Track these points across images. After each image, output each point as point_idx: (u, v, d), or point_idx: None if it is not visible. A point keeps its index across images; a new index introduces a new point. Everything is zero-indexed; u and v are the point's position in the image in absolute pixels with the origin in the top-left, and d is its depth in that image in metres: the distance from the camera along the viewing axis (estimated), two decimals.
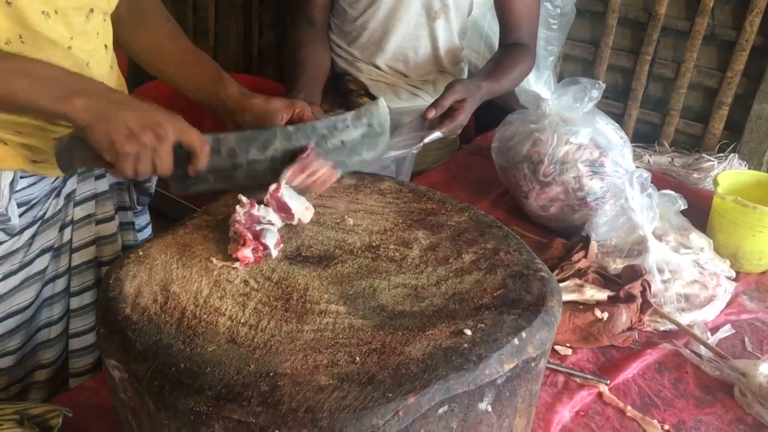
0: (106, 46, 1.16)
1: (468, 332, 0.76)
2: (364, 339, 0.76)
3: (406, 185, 1.09)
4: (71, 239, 1.22)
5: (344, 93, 1.75)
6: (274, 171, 0.99)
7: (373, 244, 0.94)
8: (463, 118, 1.44)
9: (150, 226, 1.45)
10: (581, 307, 1.26)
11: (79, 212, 1.22)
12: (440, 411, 0.71)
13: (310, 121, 1.04)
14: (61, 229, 1.20)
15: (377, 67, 1.73)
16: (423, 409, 0.69)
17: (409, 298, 0.83)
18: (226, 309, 0.81)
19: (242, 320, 0.79)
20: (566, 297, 1.25)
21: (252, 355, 0.73)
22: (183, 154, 0.98)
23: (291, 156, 1.00)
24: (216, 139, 1.00)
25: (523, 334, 0.77)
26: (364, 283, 0.86)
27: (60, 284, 1.22)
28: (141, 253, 0.89)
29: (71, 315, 1.24)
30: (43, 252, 1.18)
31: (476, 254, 0.92)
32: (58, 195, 1.18)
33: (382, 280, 0.87)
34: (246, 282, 0.85)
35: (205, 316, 0.79)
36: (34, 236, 1.15)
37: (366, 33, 1.69)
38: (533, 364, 0.79)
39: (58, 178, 1.16)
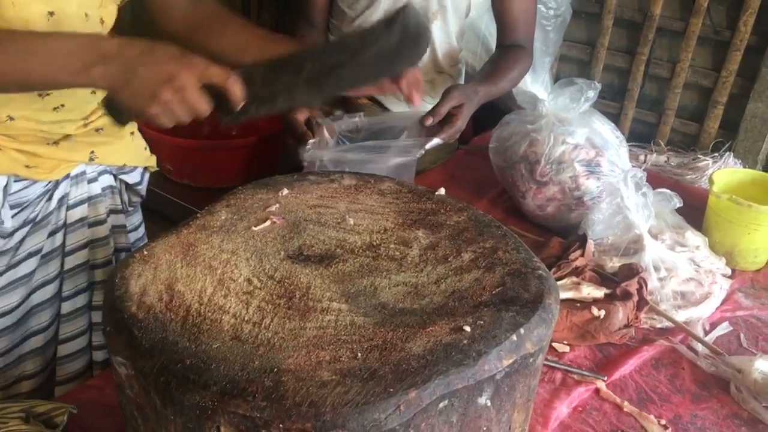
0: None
1: (467, 329, 0.78)
2: (365, 336, 0.78)
3: (405, 185, 1.10)
4: (63, 243, 1.22)
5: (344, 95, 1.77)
6: (313, 92, 0.97)
7: (374, 243, 0.96)
8: (461, 123, 1.46)
9: (143, 226, 1.46)
10: (578, 305, 1.28)
11: (72, 215, 1.22)
12: (440, 405, 0.72)
13: (341, 39, 1.01)
14: (52, 233, 1.20)
15: None
16: (424, 404, 0.70)
17: (410, 295, 0.85)
18: (230, 307, 0.82)
19: (246, 318, 0.80)
20: (563, 295, 1.27)
21: (256, 352, 0.75)
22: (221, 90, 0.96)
23: (327, 73, 0.96)
24: (247, 70, 0.97)
25: (522, 331, 0.79)
26: (365, 281, 0.88)
27: (49, 290, 1.22)
28: (146, 252, 0.91)
29: (62, 320, 1.24)
30: (30, 255, 1.18)
31: (475, 253, 0.93)
32: (50, 198, 1.18)
33: (383, 278, 0.88)
34: (249, 281, 0.87)
35: (210, 314, 0.81)
36: (23, 239, 1.16)
37: None
38: (531, 360, 0.80)
39: (50, 182, 1.17)
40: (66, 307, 1.24)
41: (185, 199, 2.15)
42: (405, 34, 0.94)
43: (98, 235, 1.27)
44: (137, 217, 1.44)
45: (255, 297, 0.84)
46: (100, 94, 1.18)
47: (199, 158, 2.11)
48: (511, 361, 0.76)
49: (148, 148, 1.38)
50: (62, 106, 1.13)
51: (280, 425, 0.68)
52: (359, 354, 0.75)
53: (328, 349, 0.75)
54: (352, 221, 1.00)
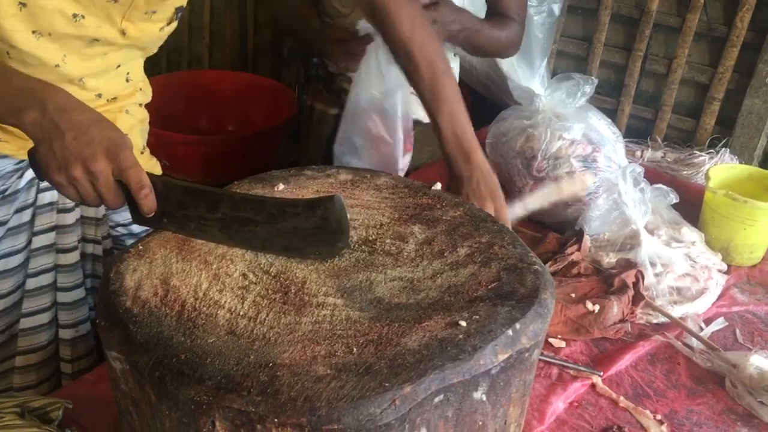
0: (119, 65, 1.19)
1: (463, 323, 0.78)
2: (361, 330, 0.78)
3: (402, 181, 1.10)
4: (32, 221, 1.24)
5: (338, 92, 1.76)
6: (224, 236, 0.92)
7: (370, 238, 0.96)
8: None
9: None
10: (573, 296, 1.28)
11: (42, 198, 1.24)
12: (436, 400, 0.72)
13: (262, 196, 0.96)
14: (19, 210, 1.22)
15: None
16: (419, 398, 0.70)
17: (405, 290, 0.85)
18: (225, 302, 0.82)
19: (241, 312, 0.80)
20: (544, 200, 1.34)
21: (251, 347, 0.75)
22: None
23: (239, 224, 0.90)
24: (166, 184, 0.92)
25: (517, 326, 0.79)
26: (361, 276, 0.87)
27: (14, 261, 1.24)
28: (141, 247, 0.90)
29: (26, 295, 1.27)
30: None
31: (471, 248, 0.93)
32: (20, 177, 1.20)
33: (379, 273, 0.88)
34: (245, 275, 0.87)
35: (205, 308, 0.81)
36: None
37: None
38: (527, 355, 0.80)
39: (23, 160, 1.18)
40: (30, 283, 1.27)
41: None
42: (324, 224, 0.88)
43: (64, 222, 1.28)
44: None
45: (250, 292, 0.84)
46: (89, 87, 1.19)
47: (195, 153, 2.10)
48: (506, 355, 0.76)
49: (147, 151, 1.38)
50: (57, 66, 1.12)
51: (275, 420, 0.68)
52: (355, 349, 0.75)
53: (324, 344, 0.75)
54: (348, 216, 1.00)
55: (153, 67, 3.28)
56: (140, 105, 1.37)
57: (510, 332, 0.77)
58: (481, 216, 1.01)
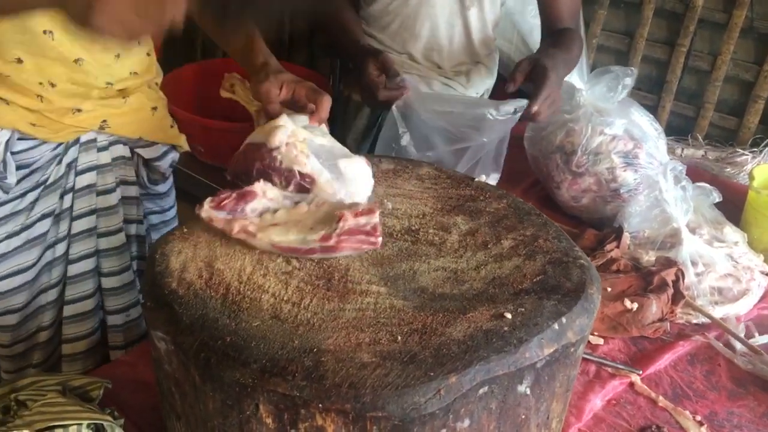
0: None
1: (508, 316, 0.77)
2: (405, 319, 0.77)
3: (444, 171, 1.09)
4: (72, 206, 1.24)
5: None
6: None
7: (413, 227, 0.95)
8: (551, 80, 1.38)
9: (175, 209, 1.47)
10: (609, 290, 1.26)
11: (80, 181, 1.24)
12: (480, 392, 0.72)
13: None
14: (62, 195, 1.23)
15: (410, 57, 1.72)
16: (464, 389, 0.70)
17: (449, 281, 0.84)
18: (269, 286, 0.82)
19: (285, 297, 0.80)
20: None
21: (296, 331, 0.75)
22: None
23: None
24: None
25: (563, 320, 0.78)
26: (404, 265, 0.87)
27: (60, 249, 1.25)
28: (186, 230, 0.91)
29: (68, 281, 1.28)
30: (44, 216, 1.21)
31: (515, 240, 0.92)
32: (59, 162, 1.21)
33: (422, 263, 0.87)
34: (288, 261, 0.87)
35: (249, 292, 0.81)
36: (36, 200, 1.19)
37: (398, 19, 1.69)
38: (572, 350, 0.79)
39: (60, 144, 1.19)
40: (72, 269, 1.27)
41: (215, 180, 2.15)
42: None
43: (106, 204, 1.28)
44: (168, 201, 1.45)
45: (294, 277, 0.84)
46: (123, 59, 1.19)
47: (230, 140, 2.11)
48: (552, 350, 0.75)
49: (175, 127, 1.37)
50: (82, 59, 1.13)
51: (320, 405, 0.68)
52: (399, 337, 0.74)
53: (368, 331, 0.75)
54: (390, 205, 1.00)
55: (188, 54, 3.32)
56: (157, 84, 1.36)
57: (556, 326, 0.77)
58: (525, 209, 1.00)
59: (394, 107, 1.42)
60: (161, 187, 1.41)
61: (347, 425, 0.69)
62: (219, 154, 2.15)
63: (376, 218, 0.88)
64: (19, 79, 1.09)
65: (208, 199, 0.90)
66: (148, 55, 1.29)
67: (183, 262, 0.85)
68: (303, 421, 0.70)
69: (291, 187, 0.94)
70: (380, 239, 0.87)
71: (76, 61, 1.13)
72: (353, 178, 0.98)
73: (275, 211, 0.90)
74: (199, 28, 3.30)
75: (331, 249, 0.86)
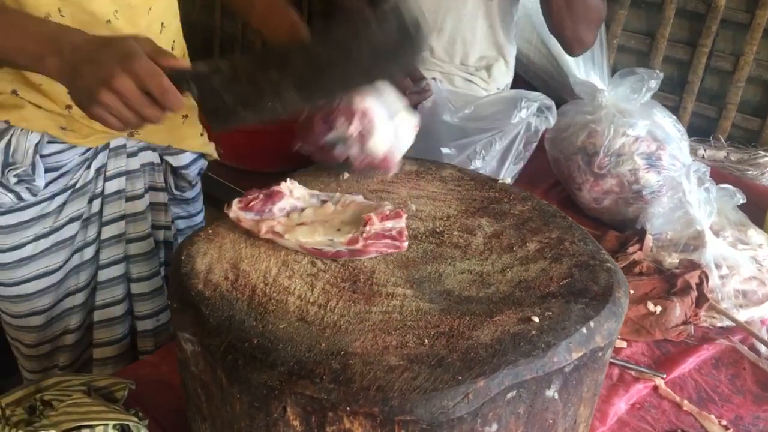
0: (162, 23, 1.17)
1: (536, 319, 0.77)
2: (431, 322, 0.77)
3: (467, 173, 1.09)
4: (101, 211, 1.24)
5: None
6: (303, 93, 0.87)
7: (437, 230, 0.95)
8: None
9: (202, 214, 1.47)
10: (632, 293, 1.25)
11: (109, 186, 1.24)
12: (509, 396, 0.71)
13: (326, 31, 0.89)
14: (91, 200, 1.23)
15: (432, 53, 1.72)
16: (492, 393, 0.69)
17: (475, 284, 0.84)
18: (294, 288, 0.82)
19: (311, 300, 0.80)
20: None
21: (322, 334, 0.75)
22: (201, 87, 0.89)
23: (316, 71, 0.85)
24: (232, 63, 0.89)
25: (591, 324, 0.77)
26: (430, 267, 0.87)
27: (88, 253, 1.25)
28: (210, 231, 0.91)
29: (98, 286, 1.28)
30: (72, 220, 1.21)
31: (541, 243, 0.91)
32: (88, 167, 1.21)
33: (448, 265, 0.87)
34: (313, 263, 0.87)
35: (275, 294, 0.81)
36: (64, 204, 1.20)
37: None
38: (600, 354, 0.79)
39: (89, 149, 1.19)
40: (102, 275, 1.28)
41: (236, 183, 2.15)
42: (401, 31, 0.81)
43: (134, 210, 1.28)
44: (195, 207, 1.44)
45: (319, 279, 0.84)
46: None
47: (252, 142, 2.11)
48: (580, 354, 0.75)
49: (205, 135, 1.37)
50: None
51: (347, 408, 0.68)
52: (426, 340, 0.74)
53: (395, 334, 0.75)
54: (414, 207, 0.99)
55: (206, 55, 3.33)
56: None
57: (584, 330, 0.76)
58: (550, 211, 0.99)
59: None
60: (189, 193, 1.41)
61: (375, 428, 0.69)
62: (239, 156, 2.15)
63: (402, 222, 0.88)
64: (50, 88, 1.09)
65: (236, 200, 0.90)
66: (171, 48, 1.27)
67: (209, 263, 0.85)
68: (330, 425, 0.70)
69: (352, 126, 0.95)
70: (406, 244, 0.87)
71: None
72: (401, 136, 1.02)
73: (302, 209, 0.91)
74: (218, 29, 3.31)
75: (358, 252, 0.86)
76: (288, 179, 0.94)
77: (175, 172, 1.35)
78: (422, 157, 1.14)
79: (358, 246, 0.86)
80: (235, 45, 3.23)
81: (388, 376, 0.69)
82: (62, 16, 1.03)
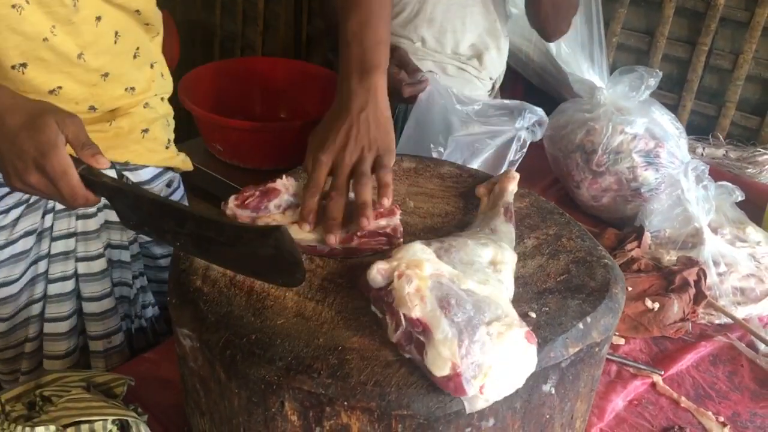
0: (117, 32, 1.13)
1: (533, 315, 0.77)
2: None
3: (466, 170, 1.09)
4: (52, 226, 1.21)
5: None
6: (200, 251, 0.85)
7: (435, 226, 0.95)
8: None
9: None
10: (630, 290, 1.25)
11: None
12: None
13: (221, 219, 0.87)
14: (44, 215, 1.20)
15: (423, 43, 1.72)
16: None
17: None
18: None
19: (309, 296, 0.81)
20: None
21: (320, 329, 0.75)
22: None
23: (207, 242, 0.83)
24: (137, 195, 0.89)
25: (588, 319, 0.77)
26: None
27: (41, 266, 1.22)
28: None
29: (47, 301, 1.24)
30: (27, 234, 1.19)
31: (538, 239, 0.92)
32: None
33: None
34: (311, 259, 0.87)
35: (273, 290, 0.81)
36: (18, 218, 1.17)
37: (409, 6, 1.69)
38: (597, 350, 0.79)
39: None
40: (51, 289, 1.24)
41: (233, 180, 2.16)
42: (278, 253, 0.78)
43: (85, 228, 1.23)
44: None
45: (317, 276, 0.84)
46: (112, 77, 1.15)
47: (250, 139, 2.11)
48: (577, 349, 0.75)
49: (172, 147, 1.31)
50: (59, 88, 1.09)
51: (345, 403, 0.69)
52: None
53: None
54: (412, 204, 1.00)
55: (206, 54, 3.33)
56: (162, 99, 1.30)
57: (581, 326, 0.76)
58: (547, 207, 1.00)
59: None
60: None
61: (372, 423, 0.70)
62: (237, 153, 2.16)
63: (396, 219, 0.88)
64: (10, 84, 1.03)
65: (232, 197, 0.90)
66: (152, 67, 1.25)
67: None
68: (328, 419, 0.70)
69: (399, 332, 0.72)
70: (401, 240, 0.88)
71: (51, 92, 1.08)
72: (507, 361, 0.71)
73: (298, 206, 0.91)
74: (218, 28, 3.30)
75: (352, 251, 0.87)
76: (284, 176, 0.94)
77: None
78: (416, 149, 1.14)
79: (353, 244, 0.86)
80: (235, 44, 3.24)
81: (385, 371, 0.70)
82: None
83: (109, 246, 1.27)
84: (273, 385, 0.70)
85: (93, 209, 1.22)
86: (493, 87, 1.82)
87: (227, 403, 0.76)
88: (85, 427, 0.87)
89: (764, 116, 2.06)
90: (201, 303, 0.78)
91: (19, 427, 0.86)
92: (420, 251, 0.76)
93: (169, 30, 1.74)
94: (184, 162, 1.34)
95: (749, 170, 1.88)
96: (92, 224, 1.23)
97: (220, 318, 0.76)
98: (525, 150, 1.50)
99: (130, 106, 1.22)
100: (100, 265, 1.25)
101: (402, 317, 0.70)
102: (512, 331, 0.69)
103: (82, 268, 1.24)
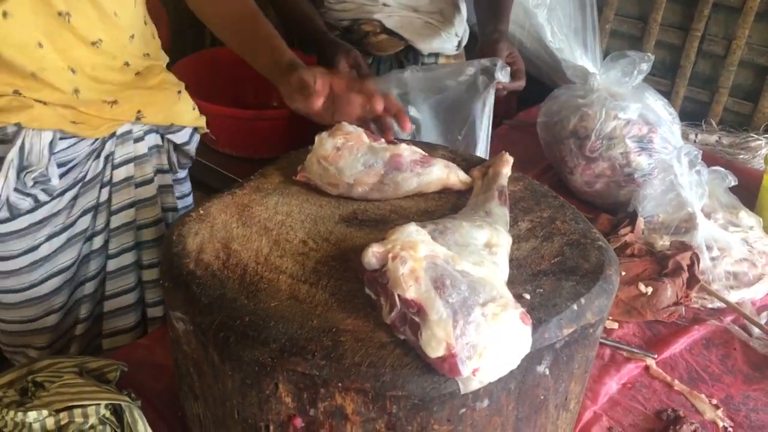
0: (115, 13, 1.13)
1: (527, 296, 0.77)
2: None
3: (459, 154, 1.09)
4: (110, 199, 1.23)
5: (360, 38, 1.73)
6: None
7: (428, 209, 0.95)
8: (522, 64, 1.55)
9: (192, 195, 1.46)
10: (623, 274, 1.25)
11: (117, 174, 1.23)
12: None
13: None
14: (100, 189, 1.22)
15: (385, 5, 1.72)
16: None
17: None
18: (286, 267, 0.82)
19: (302, 278, 0.80)
20: None
21: (314, 311, 0.75)
22: None
23: None
24: None
25: (582, 301, 0.77)
26: None
27: (97, 242, 1.24)
28: (201, 211, 0.91)
29: (108, 276, 1.26)
30: (84, 213, 1.20)
31: (532, 222, 0.92)
32: (97, 157, 1.19)
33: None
34: (304, 242, 0.87)
35: (267, 273, 0.81)
36: (75, 198, 1.18)
37: None
38: (591, 331, 0.79)
39: (97, 139, 1.18)
40: (111, 264, 1.26)
41: (226, 168, 2.15)
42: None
43: (145, 195, 1.27)
44: (186, 186, 1.44)
45: (311, 258, 0.84)
46: (136, 39, 1.18)
47: (243, 128, 2.11)
48: (571, 330, 0.75)
49: (196, 108, 1.36)
50: (100, 41, 1.12)
51: (339, 384, 0.68)
52: None
53: None
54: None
55: (198, 42, 3.30)
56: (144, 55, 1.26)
57: (575, 307, 0.76)
58: (541, 191, 0.99)
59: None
60: (181, 173, 1.40)
61: (367, 404, 0.69)
62: (231, 143, 2.15)
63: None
64: (42, 71, 1.06)
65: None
66: (154, 38, 1.27)
67: (200, 243, 0.85)
68: (322, 401, 0.70)
69: (393, 313, 0.71)
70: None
71: (94, 43, 1.11)
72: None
73: None
74: None
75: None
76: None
77: (177, 149, 1.34)
78: None
79: None
80: None
81: (379, 352, 0.70)
82: None
83: (163, 210, 1.32)
84: (267, 367, 0.70)
85: (150, 174, 1.27)
86: (459, 44, 1.82)
87: (221, 386, 0.76)
88: (77, 411, 0.86)
89: (757, 102, 2.07)
90: (194, 286, 0.78)
91: (12, 412, 0.85)
92: (415, 233, 0.75)
93: (160, 18, 1.73)
94: (204, 123, 1.40)
95: (742, 156, 1.89)
96: (151, 190, 1.28)
97: (213, 300, 0.76)
98: (493, 90, 1.50)
99: (151, 70, 1.24)
100: (159, 230, 1.30)
101: (396, 298, 0.70)
102: (507, 312, 0.69)
103: (144, 235, 1.28)
